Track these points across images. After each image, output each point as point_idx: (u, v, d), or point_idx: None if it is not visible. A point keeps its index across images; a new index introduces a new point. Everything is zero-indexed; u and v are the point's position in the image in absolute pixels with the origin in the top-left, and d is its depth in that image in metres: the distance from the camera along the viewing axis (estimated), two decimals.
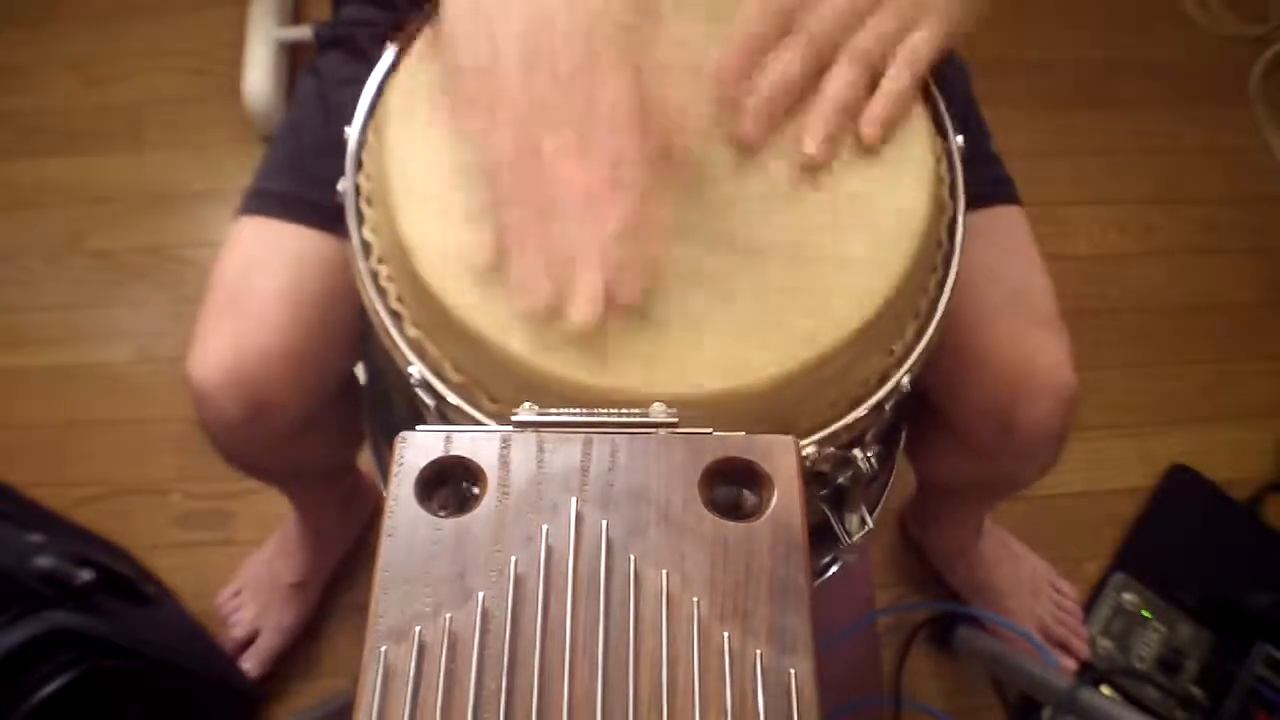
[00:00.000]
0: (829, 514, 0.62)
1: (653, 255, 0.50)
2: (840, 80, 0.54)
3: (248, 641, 1.09)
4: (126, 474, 1.21)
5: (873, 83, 0.56)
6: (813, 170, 0.54)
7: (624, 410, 0.33)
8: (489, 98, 0.48)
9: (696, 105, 0.56)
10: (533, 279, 0.48)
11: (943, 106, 0.60)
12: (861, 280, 0.52)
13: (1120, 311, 1.38)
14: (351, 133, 0.58)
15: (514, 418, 0.32)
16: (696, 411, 0.48)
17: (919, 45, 0.55)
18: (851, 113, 0.55)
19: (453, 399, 0.51)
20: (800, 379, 0.50)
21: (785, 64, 0.54)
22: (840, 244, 0.53)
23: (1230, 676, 1.09)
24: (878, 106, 0.55)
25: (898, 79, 0.55)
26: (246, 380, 0.69)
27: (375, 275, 0.54)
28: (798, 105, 0.55)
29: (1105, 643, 1.14)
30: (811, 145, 0.54)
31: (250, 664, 1.08)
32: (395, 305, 0.53)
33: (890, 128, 0.55)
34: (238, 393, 0.69)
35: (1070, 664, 1.10)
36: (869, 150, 0.55)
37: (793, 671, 0.27)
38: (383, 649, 0.27)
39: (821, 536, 0.65)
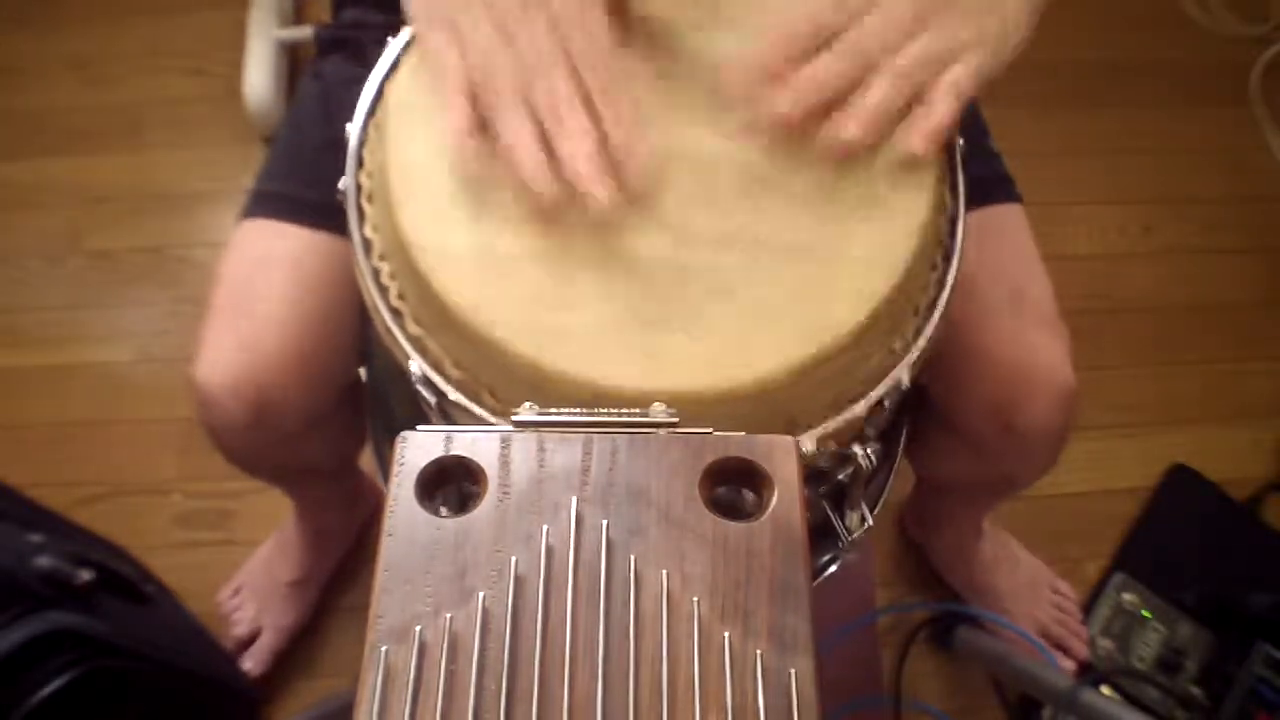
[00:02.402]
0: (829, 511, 0.62)
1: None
2: (879, 91, 0.52)
3: (248, 640, 1.09)
4: (126, 474, 1.21)
5: (908, 107, 0.54)
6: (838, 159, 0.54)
7: (624, 410, 0.33)
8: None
9: (696, 101, 0.56)
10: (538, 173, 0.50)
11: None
12: (862, 278, 0.52)
13: (1120, 311, 1.38)
14: (353, 130, 0.58)
15: (514, 417, 0.32)
16: (697, 409, 0.48)
17: (961, 78, 0.53)
18: (889, 122, 0.53)
19: (453, 395, 0.51)
20: (801, 376, 0.50)
21: (824, 64, 0.53)
22: (841, 242, 0.53)
23: (1230, 676, 1.09)
24: (922, 121, 0.53)
25: (941, 103, 0.53)
26: (252, 382, 0.69)
27: (377, 273, 0.54)
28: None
29: (1105, 643, 1.14)
30: (847, 133, 0.52)
31: (250, 663, 1.08)
32: (396, 303, 0.54)
33: (936, 144, 0.53)
34: (243, 395, 0.69)
35: (1069, 665, 1.10)
36: (871, 150, 0.55)
37: (793, 671, 0.27)
38: (383, 649, 0.27)
39: (821, 534, 0.65)
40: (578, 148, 0.49)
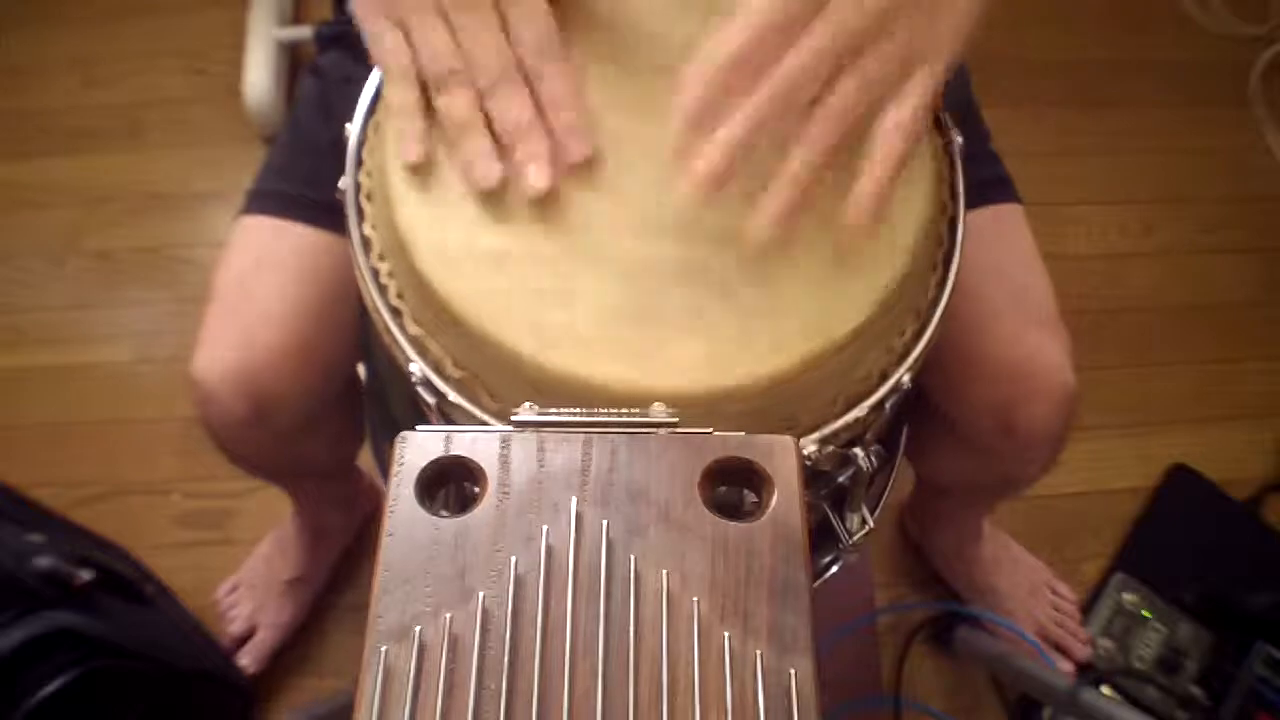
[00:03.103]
0: (830, 513, 0.62)
1: (585, 116, 0.52)
2: (796, 161, 0.48)
3: (244, 637, 1.09)
4: (126, 474, 1.21)
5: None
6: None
7: (624, 410, 0.33)
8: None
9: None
10: (482, 158, 0.51)
11: (942, 105, 0.60)
12: (862, 278, 0.52)
13: (1120, 311, 1.38)
14: (352, 129, 0.58)
15: (514, 417, 0.32)
16: (696, 408, 0.48)
17: (916, 92, 0.48)
18: (847, 143, 0.48)
19: (453, 396, 0.51)
20: (800, 376, 0.50)
21: (741, 121, 0.47)
22: (840, 242, 0.53)
23: (1230, 676, 1.09)
24: (870, 183, 0.48)
25: (894, 141, 0.48)
26: (251, 379, 0.69)
27: (376, 272, 0.54)
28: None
29: (1105, 643, 1.14)
30: (768, 215, 0.48)
31: (247, 659, 1.08)
32: (395, 302, 0.54)
33: (882, 204, 0.48)
34: (242, 392, 0.69)
35: (1069, 666, 1.10)
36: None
37: (793, 671, 0.27)
38: (383, 649, 0.27)
39: (822, 536, 0.65)
40: (529, 152, 0.51)
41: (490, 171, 0.51)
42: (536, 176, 0.51)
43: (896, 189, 0.54)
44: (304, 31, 1.46)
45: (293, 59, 1.47)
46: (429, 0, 0.52)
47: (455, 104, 0.51)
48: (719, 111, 0.48)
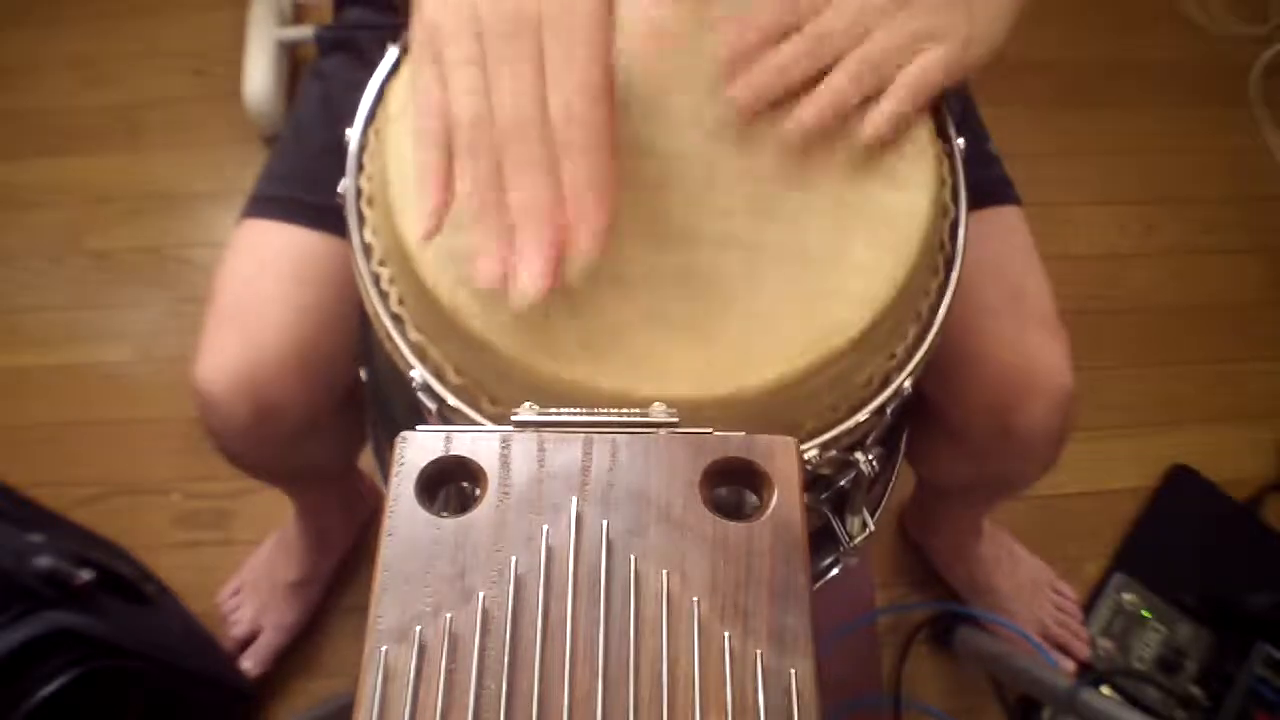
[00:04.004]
0: (831, 517, 0.62)
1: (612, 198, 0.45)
2: (837, 78, 0.53)
3: (248, 640, 1.09)
4: (126, 474, 1.21)
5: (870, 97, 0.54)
6: (803, 153, 0.54)
7: (624, 410, 0.33)
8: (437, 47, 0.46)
9: (696, 101, 0.56)
10: (484, 257, 0.45)
11: (945, 108, 0.60)
12: (863, 284, 0.51)
13: (1120, 311, 1.38)
14: (352, 135, 0.58)
15: (514, 417, 0.32)
16: (697, 414, 0.48)
17: (927, 67, 0.53)
18: (842, 116, 0.53)
19: (453, 402, 0.51)
20: (801, 382, 0.50)
21: (784, 51, 0.53)
22: (842, 247, 0.53)
23: (1230, 676, 1.09)
24: (875, 117, 0.53)
25: (896, 99, 0.53)
26: (254, 384, 0.69)
27: (377, 278, 0.54)
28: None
29: (1105, 643, 1.14)
30: (800, 120, 0.52)
31: (250, 662, 1.08)
32: (397, 309, 0.53)
33: (883, 140, 0.54)
34: (245, 397, 0.69)
35: (1070, 666, 1.10)
36: (871, 153, 0.55)
37: (793, 671, 0.27)
38: (383, 649, 0.27)
39: (823, 539, 0.65)
40: (532, 256, 0.44)
41: (489, 273, 0.44)
42: (527, 281, 0.43)
43: (899, 193, 0.54)
44: (304, 32, 1.46)
45: (293, 59, 1.47)
46: (467, 28, 0.45)
47: (468, 172, 0.45)
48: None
